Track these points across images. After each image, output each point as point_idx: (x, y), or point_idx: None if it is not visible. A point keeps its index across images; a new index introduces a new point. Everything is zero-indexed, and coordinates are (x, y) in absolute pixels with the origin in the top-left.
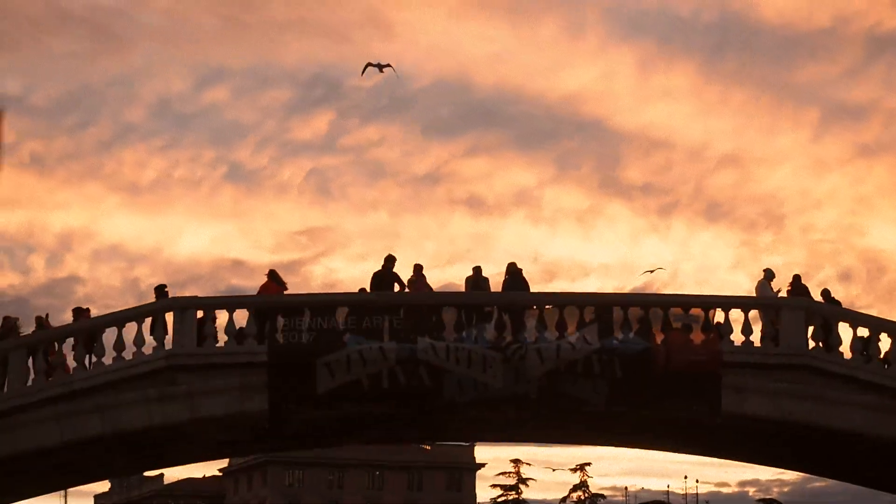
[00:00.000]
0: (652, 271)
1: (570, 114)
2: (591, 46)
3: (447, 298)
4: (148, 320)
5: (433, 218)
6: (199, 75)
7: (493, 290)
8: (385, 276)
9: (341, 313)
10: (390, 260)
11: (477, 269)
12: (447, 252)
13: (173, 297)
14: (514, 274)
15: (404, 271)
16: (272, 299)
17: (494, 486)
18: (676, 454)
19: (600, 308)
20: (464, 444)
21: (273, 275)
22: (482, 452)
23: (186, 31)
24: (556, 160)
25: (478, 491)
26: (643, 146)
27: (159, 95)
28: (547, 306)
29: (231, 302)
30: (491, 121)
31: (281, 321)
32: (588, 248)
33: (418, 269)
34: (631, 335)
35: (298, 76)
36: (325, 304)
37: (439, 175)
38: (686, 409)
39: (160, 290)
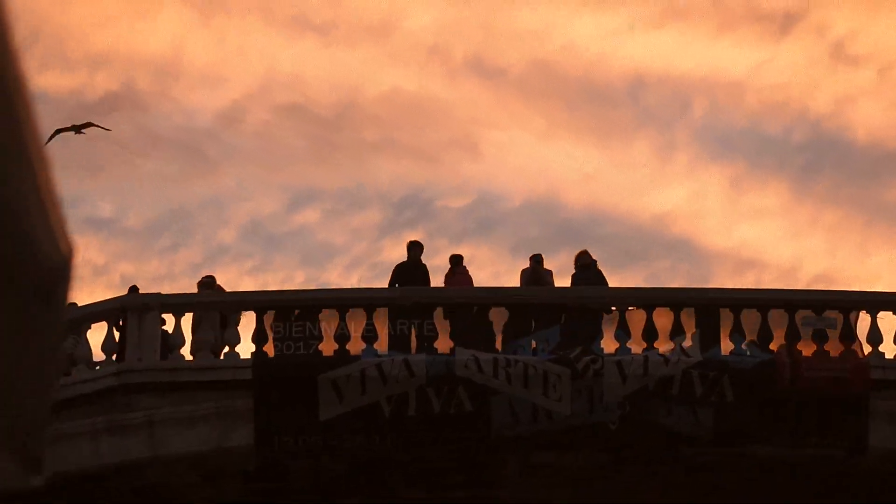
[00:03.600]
0: None
1: (661, 233)
2: (682, 166)
3: (496, 296)
4: (98, 326)
5: None
6: (290, 196)
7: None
8: (412, 267)
9: (355, 317)
10: (416, 247)
11: (536, 259)
12: None
13: (131, 295)
14: (586, 266)
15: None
16: (260, 297)
17: None
18: None
19: (703, 309)
20: None
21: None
22: None
23: (277, 152)
24: (646, 279)
25: None
26: (734, 266)
27: (251, 217)
28: (631, 307)
29: (207, 301)
30: (580, 241)
31: (273, 326)
32: None
33: (456, 260)
34: (745, 345)
35: (389, 197)
36: (331, 303)
37: None
38: (819, 445)
39: (207, 280)
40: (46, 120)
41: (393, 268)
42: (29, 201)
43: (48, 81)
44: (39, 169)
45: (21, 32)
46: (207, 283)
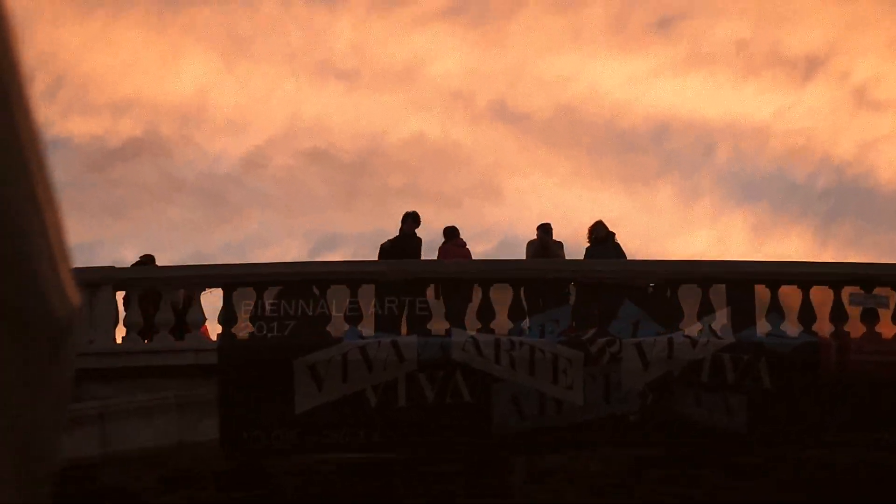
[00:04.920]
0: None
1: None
2: (706, 212)
3: (499, 270)
4: None
5: None
6: (313, 242)
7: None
8: (402, 241)
9: (337, 293)
10: (410, 219)
11: (544, 229)
12: None
13: (81, 268)
14: (602, 239)
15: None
16: (229, 272)
17: None
18: None
19: (735, 284)
20: None
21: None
22: None
23: (300, 198)
24: None
25: None
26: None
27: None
28: (652, 284)
29: (167, 276)
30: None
31: (243, 304)
32: None
33: (452, 231)
34: (784, 325)
35: None
36: (310, 278)
37: None
38: (869, 440)
39: (145, 259)
40: (70, 165)
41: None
42: (39, 252)
43: (72, 127)
44: (50, 219)
45: (45, 78)
46: (145, 262)
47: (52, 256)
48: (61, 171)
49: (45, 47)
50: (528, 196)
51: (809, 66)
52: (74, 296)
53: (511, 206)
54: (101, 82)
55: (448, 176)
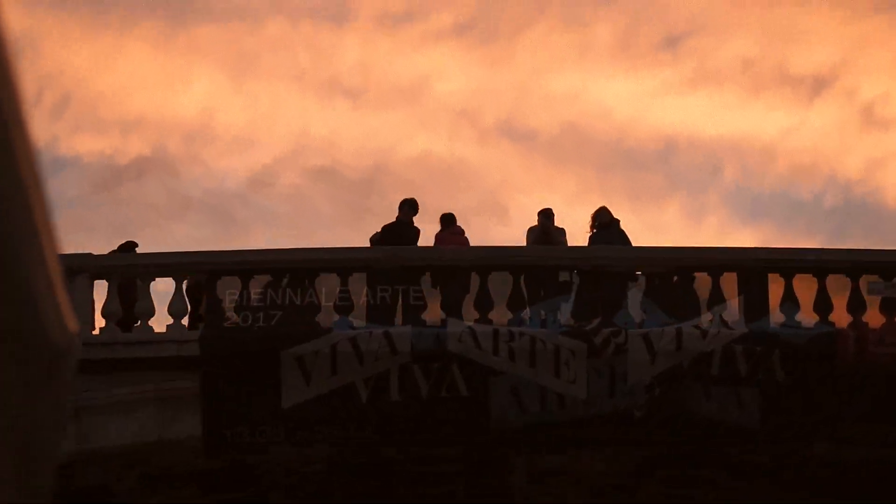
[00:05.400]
0: None
1: None
2: (713, 230)
3: (498, 257)
4: None
5: None
6: None
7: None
8: (399, 228)
9: (326, 282)
10: (407, 206)
11: (546, 214)
12: None
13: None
14: (606, 225)
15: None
16: (212, 258)
17: None
18: None
19: (747, 272)
20: None
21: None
22: None
23: (307, 215)
24: None
25: None
26: None
27: None
28: (659, 270)
29: (147, 264)
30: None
31: (227, 292)
32: None
33: (448, 219)
34: (799, 315)
35: None
36: (299, 266)
37: None
38: (887, 434)
39: (127, 245)
40: (78, 183)
41: (379, 230)
42: (37, 277)
43: (80, 145)
44: (47, 244)
45: (53, 97)
46: (127, 248)
47: (49, 281)
48: (69, 190)
49: (53, 66)
50: (535, 214)
51: (816, 85)
52: (72, 320)
53: (518, 224)
54: (108, 101)
55: (455, 194)
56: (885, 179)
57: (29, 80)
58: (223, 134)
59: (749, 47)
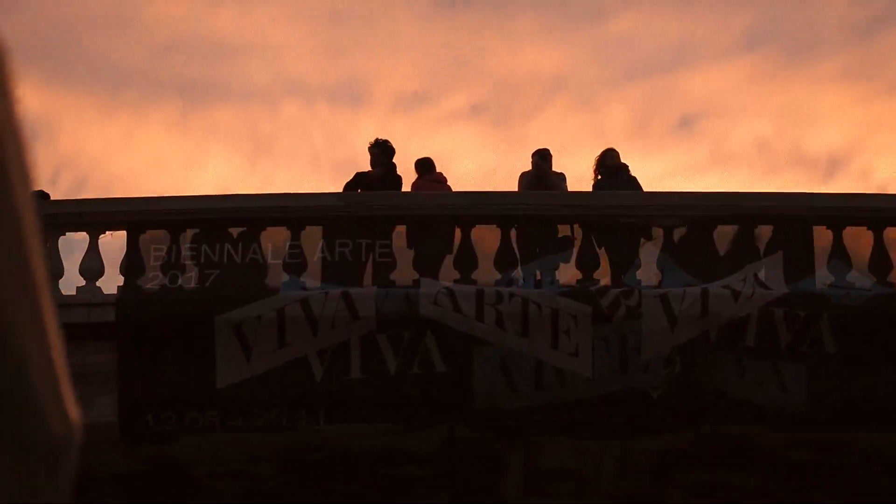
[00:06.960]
0: None
1: None
2: None
3: (484, 205)
4: None
5: None
6: None
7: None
8: (376, 177)
9: (274, 235)
10: (382, 148)
11: (541, 154)
12: None
13: None
14: (614, 168)
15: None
16: (134, 206)
17: None
18: None
19: (786, 223)
20: None
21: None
22: None
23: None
24: None
25: None
26: None
27: None
28: (679, 225)
29: (58, 213)
30: None
31: (152, 247)
32: None
33: (426, 164)
34: (851, 274)
35: None
36: (241, 217)
37: None
38: None
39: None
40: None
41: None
42: (37, 369)
43: None
44: (49, 335)
45: (69, 179)
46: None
47: (51, 373)
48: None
49: (69, 148)
50: None
51: (830, 166)
52: (74, 411)
53: None
54: (125, 183)
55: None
56: None
57: (45, 161)
58: None
59: (764, 128)
